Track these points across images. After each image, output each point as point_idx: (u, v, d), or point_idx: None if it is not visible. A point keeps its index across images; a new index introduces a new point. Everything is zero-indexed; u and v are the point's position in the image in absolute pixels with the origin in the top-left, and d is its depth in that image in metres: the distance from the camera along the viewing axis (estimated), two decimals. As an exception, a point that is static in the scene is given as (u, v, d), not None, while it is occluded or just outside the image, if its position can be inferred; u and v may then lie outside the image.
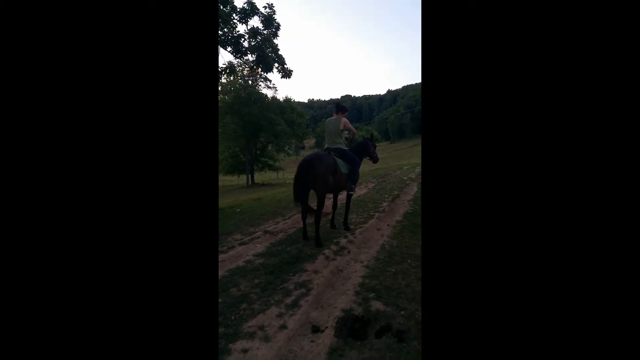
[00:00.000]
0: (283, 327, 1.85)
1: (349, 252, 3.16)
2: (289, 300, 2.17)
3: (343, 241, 3.46)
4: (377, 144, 4.60)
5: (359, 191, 7.01)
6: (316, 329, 1.85)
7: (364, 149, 4.19)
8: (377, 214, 4.72)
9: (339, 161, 3.52)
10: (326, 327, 1.85)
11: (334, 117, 3.84)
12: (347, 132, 3.88)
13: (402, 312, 1.97)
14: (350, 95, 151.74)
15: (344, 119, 3.80)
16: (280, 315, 1.98)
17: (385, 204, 5.56)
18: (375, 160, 4.36)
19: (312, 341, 1.74)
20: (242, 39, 7.71)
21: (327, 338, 1.74)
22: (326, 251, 3.13)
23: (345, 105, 3.99)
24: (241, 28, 7.62)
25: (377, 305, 2.07)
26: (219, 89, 20.98)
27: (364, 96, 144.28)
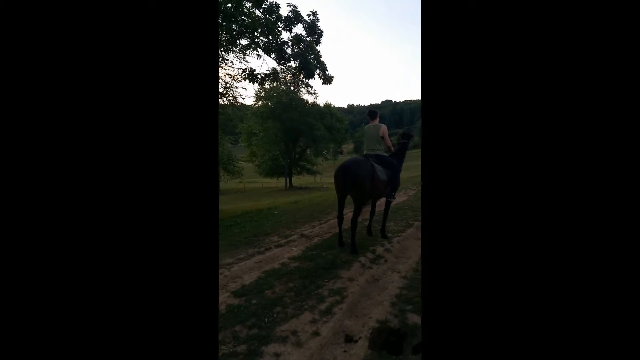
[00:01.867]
0: (316, 333, 1.83)
1: (385, 261, 3.06)
2: (322, 307, 2.14)
3: (380, 249, 3.37)
4: (418, 150, 4.53)
5: (398, 198, 6.82)
6: (350, 339, 1.80)
7: (403, 150, 4.11)
8: (416, 223, 4.54)
9: (378, 167, 3.45)
10: (360, 338, 1.79)
11: (372, 123, 3.80)
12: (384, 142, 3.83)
13: (442, 329, 1.85)
14: (391, 101, 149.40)
15: (384, 127, 3.75)
16: (313, 322, 1.96)
17: (425, 212, 5.34)
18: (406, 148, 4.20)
19: (344, 351, 1.70)
20: (286, 46, 7.91)
21: (360, 349, 1.68)
22: (362, 259, 3.06)
23: (376, 111, 3.93)
24: (285, 35, 7.82)
25: (414, 318, 1.97)
26: (262, 94, 21.77)
27: (405, 101, 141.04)
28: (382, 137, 3.73)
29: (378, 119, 3.83)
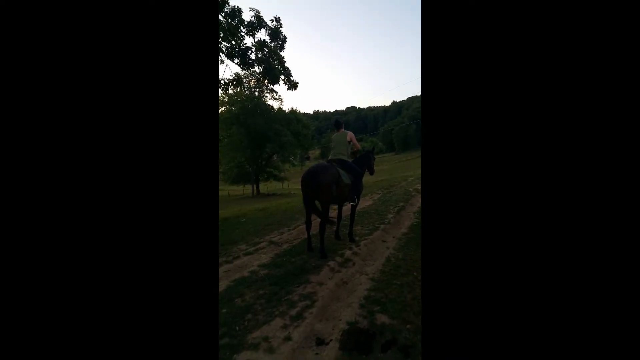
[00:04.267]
0: (287, 338, 1.84)
1: (354, 264, 3.14)
2: (293, 312, 2.16)
3: (348, 253, 3.45)
4: (383, 155, 4.74)
5: (364, 202, 6.99)
6: (321, 342, 1.83)
7: (366, 161, 4.27)
8: (382, 226, 4.70)
9: (342, 172, 3.56)
10: (331, 340, 1.83)
11: (339, 132, 4.01)
12: (351, 146, 4.04)
13: (408, 326, 1.94)
14: (355, 107, 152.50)
15: (350, 133, 3.98)
16: (284, 327, 1.97)
17: (390, 215, 5.53)
18: (372, 172, 4.46)
19: (316, 354, 1.73)
20: (249, 51, 7.86)
21: (331, 351, 1.72)
22: (331, 263, 3.11)
23: (341, 121, 4.14)
24: (248, 41, 7.78)
25: (382, 318, 2.05)
26: (226, 99, 21.33)
27: (369, 107, 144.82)
28: (350, 141, 3.94)
29: (343, 127, 4.07)
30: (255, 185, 22.96)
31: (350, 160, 3.98)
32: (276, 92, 16.69)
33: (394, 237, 4.19)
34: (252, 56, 7.96)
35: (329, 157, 3.97)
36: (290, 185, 27.63)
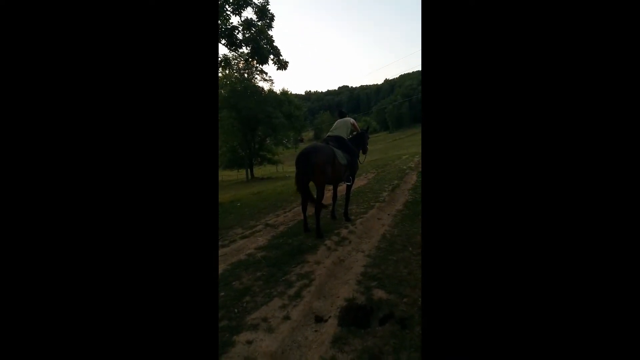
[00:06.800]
0: (286, 318, 1.86)
1: (350, 242, 3.16)
2: (291, 292, 2.18)
3: (344, 232, 3.47)
4: (377, 135, 4.84)
5: (359, 182, 7.00)
6: (319, 319, 1.86)
7: (361, 141, 4.26)
8: (377, 204, 4.72)
9: (338, 152, 3.53)
10: (329, 317, 1.86)
11: (342, 119, 4.09)
12: (352, 129, 4.17)
13: (405, 300, 1.98)
14: (348, 86, 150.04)
15: (353, 119, 4.12)
16: (283, 307, 1.99)
17: (385, 193, 5.56)
18: (365, 151, 4.52)
19: (315, 331, 1.75)
20: (236, 31, 7.61)
21: (330, 327, 1.75)
22: (327, 242, 3.13)
23: (344, 111, 4.30)
24: (234, 20, 7.52)
25: (379, 293, 2.08)
26: (215, 83, 20.74)
27: (362, 86, 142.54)
28: (352, 124, 4.06)
29: (347, 116, 4.19)
30: (249, 170, 22.82)
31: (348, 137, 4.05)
32: (266, 73, 16.39)
33: (389, 214, 4.22)
34: (240, 36, 7.71)
35: (327, 134, 4.00)
36: (285, 168, 27.57)
